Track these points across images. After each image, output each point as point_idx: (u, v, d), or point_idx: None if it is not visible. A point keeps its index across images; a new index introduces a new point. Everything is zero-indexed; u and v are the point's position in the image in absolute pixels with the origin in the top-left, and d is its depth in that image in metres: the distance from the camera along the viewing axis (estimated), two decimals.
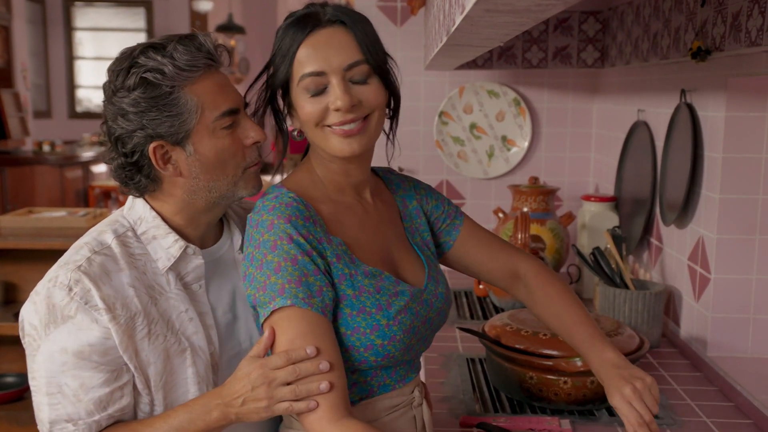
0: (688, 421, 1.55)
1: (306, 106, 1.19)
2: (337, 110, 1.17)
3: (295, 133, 1.27)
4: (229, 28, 9.50)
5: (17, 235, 3.26)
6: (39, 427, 1.19)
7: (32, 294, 1.18)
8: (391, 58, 1.25)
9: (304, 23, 1.18)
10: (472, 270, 1.46)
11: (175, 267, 1.23)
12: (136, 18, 9.88)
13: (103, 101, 1.21)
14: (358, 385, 1.22)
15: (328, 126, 1.19)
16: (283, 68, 1.19)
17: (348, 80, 1.18)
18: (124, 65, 1.17)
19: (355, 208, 1.28)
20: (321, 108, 1.18)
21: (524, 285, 1.44)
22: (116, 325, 1.14)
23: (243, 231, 1.31)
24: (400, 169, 2.94)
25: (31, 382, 1.19)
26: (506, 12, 0.98)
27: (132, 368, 1.16)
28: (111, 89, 1.18)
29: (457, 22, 1.22)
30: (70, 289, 1.13)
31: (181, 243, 1.22)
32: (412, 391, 1.30)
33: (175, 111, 1.16)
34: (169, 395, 1.20)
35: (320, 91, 1.18)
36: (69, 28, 9.71)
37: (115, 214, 1.27)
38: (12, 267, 3.38)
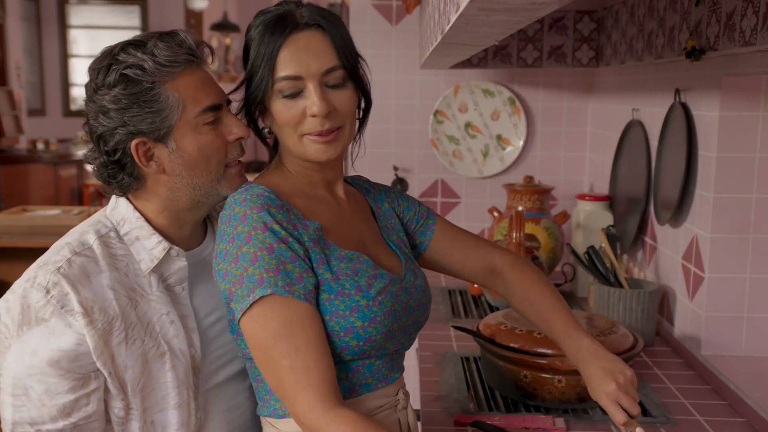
0: (682, 419, 1.55)
1: (283, 111, 1.19)
2: (313, 116, 1.18)
3: (266, 131, 1.27)
4: (224, 26, 9.48)
5: (11, 234, 3.26)
6: (2, 426, 1.18)
7: (8, 292, 1.17)
8: (362, 59, 1.27)
9: (281, 26, 1.18)
10: (451, 268, 1.46)
11: (158, 269, 1.22)
12: (130, 16, 9.85)
13: (85, 100, 1.20)
14: (339, 382, 1.20)
15: (305, 134, 1.20)
16: (264, 72, 1.18)
17: (324, 84, 1.19)
18: (105, 63, 1.17)
19: (329, 202, 1.29)
20: (298, 113, 1.19)
21: (501, 278, 1.45)
22: (92, 329, 1.13)
23: None
24: (395, 168, 2.94)
25: (0, 380, 1.17)
26: (500, 10, 0.98)
27: (106, 374, 1.15)
28: (92, 87, 1.18)
29: (452, 20, 1.22)
30: (48, 292, 1.12)
31: (165, 244, 1.21)
32: (396, 393, 1.29)
33: (156, 107, 1.15)
34: (147, 399, 1.19)
35: (295, 94, 1.18)
36: (63, 26, 9.69)
37: (98, 215, 1.25)
38: (6, 265, 3.37)
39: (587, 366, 1.30)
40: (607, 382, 1.26)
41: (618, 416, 1.25)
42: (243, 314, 1.13)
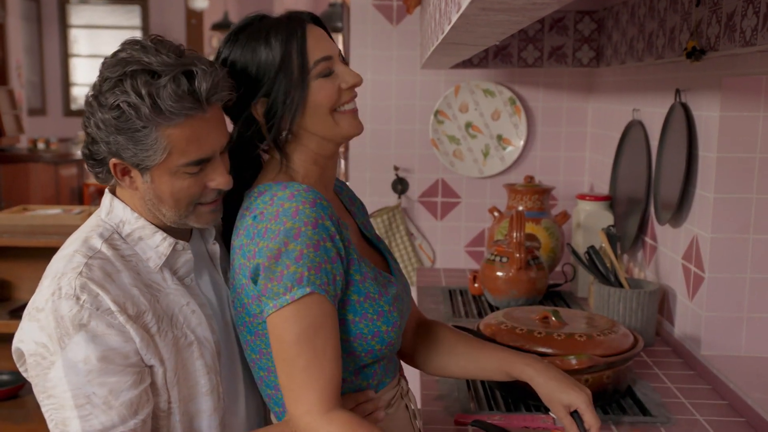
0: (682, 419, 1.55)
1: (322, 91, 1.21)
2: (351, 87, 1.23)
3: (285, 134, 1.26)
4: (224, 26, 9.48)
5: (12, 233, 3.26)
6: None
7: (32, 313, 1.14)
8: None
9: (290, 23, 1.21)
10: None
11: (168, 263, 1.22)
12: (131, 15, 9.86)
13: (87, 96, 1.17)
14: (360, 387, 1.24)
15: (339, 109, 1.24)
16: (300, 64, 1.20)
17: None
18: (116, 74, 1.12)
19: (336, 204, 1.32)
20: (335, 89, 1.22)
21: (426, 330, 1.46)
22: (133, 324, 1.12)
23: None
24: (396, 168, 2.95)
25: (46, 401, 1.14)
26: (502, 10, 0.98)
27: (157, 365, 1.15)
28: (97, 89, 1.14)
29: (453, 20, 1.22)
30: (78, 298, 1.10)
31: (170, 240, 1.22)
32: (399, 382, 1.34)
33: (142, 146, 1.13)
34: (183, 389, 1.20)
35: (329, 73, 1.22)
36: (64, 26, 9.69)
37: (94, 220, 1.24)
38: (7, 265, 3.37)
39: (541, 374, 1.33)
40: (567, 393, 1.30)
41: (567, 420, 1.30)
42: (276, 310, 1.12)
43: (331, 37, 1.27)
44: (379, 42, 2.87)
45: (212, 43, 10.18)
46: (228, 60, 1.22)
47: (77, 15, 9.80)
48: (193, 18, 9.80)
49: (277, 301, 1.12)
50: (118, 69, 1.12)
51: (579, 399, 1.29)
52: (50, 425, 1.15)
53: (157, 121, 1.11)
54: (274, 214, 1.14)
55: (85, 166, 1.23)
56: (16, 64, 8.11)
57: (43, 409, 1.15)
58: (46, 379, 1.12)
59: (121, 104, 1.11)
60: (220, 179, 1.20)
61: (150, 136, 1.12)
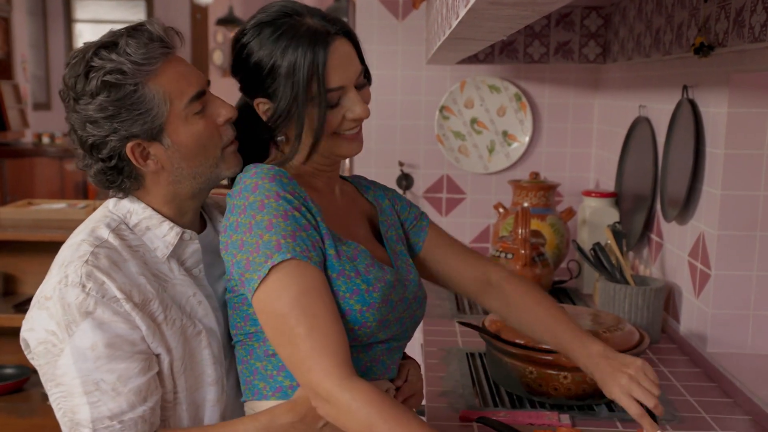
0: (688, 416, 1.55)
1: (327, 119, 1.20)
2: (357, 119, 1.22)
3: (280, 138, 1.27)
4: (229, 21, 9.47)
5: (17, 227, 3.26)
6: (69, 430, 1.15)
7: (41, 301, 1.15)
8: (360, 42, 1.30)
9: (315, 40, 1.18)
10: (444, 275, 1.45)
11: (175, 253, 1.23)
12: (136, 10, 9.86)
13: (66, 111, 1.18)
14: None
15: (340, 133, 1.24)
16: (311, 86, 1.18)
17: (356, 87, 1.24)
18: (80, 70, 1.14)
19: (327, 196, 1.30)
20: (339, 118, 1.22)
21: (498, 291, 1.43)
22: (139, 312, 1.13)
23: (222, 216, 1.32)
24: (401, 164, 2.94)
25: (54, 389, 1.14)
26: (511, 5, 0.97)
27: (163, 352, 1.15)
28: (72, 97, 1.15)
29: (461, 14, 1.21)
30: (84, 286, 1.11)
31: (178, 229, 1.22)
32: (385, 391, 1.27)
33: (144, 107, 1.14)
34: (190, 378, 1.20)
35: (335, 104, 1.21)
36: (69, 20, 9.69)
37: (102, 211, 1.24)
38: (11, 258, 3.38)
39: (599, 367, 1.30)
40: (619, 376, 1.26)
41: (633, 408, 1.25)
42: (260, 283, 1.11)
43: (359, 51, 1.24)
44: (385, 37, 2.86)
45: (217, 38, 10.17)
46: (246, 48, 1.22)
47: (82, 9, 9.81)
48: (198, 13, 9.79)
49: (260, 272, 1.10)
50: (79, 63, 1.15)
51: (624, 389, 1.26)
52: (58, 414, 1.16)
53: (142, 73, 1.14)
54: (239, 191, 1.17)
55: (105, 190, 1.23)
56: (21, 58, 8.12)
57: (51, 398, 1.16)
58: (56, 367, 1.13)
59: (104, 79, 1.12)
60: (223, 110, 1.23)
61: (146, 94, 1.14)
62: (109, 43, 1.15)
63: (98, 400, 1.11)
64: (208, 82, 1.25)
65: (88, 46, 1.16)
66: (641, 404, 1.25)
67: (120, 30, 1.17)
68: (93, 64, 1.13)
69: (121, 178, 1.19)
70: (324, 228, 1.19)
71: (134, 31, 1.16)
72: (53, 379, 1.14)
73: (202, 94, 1.20)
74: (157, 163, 1.19)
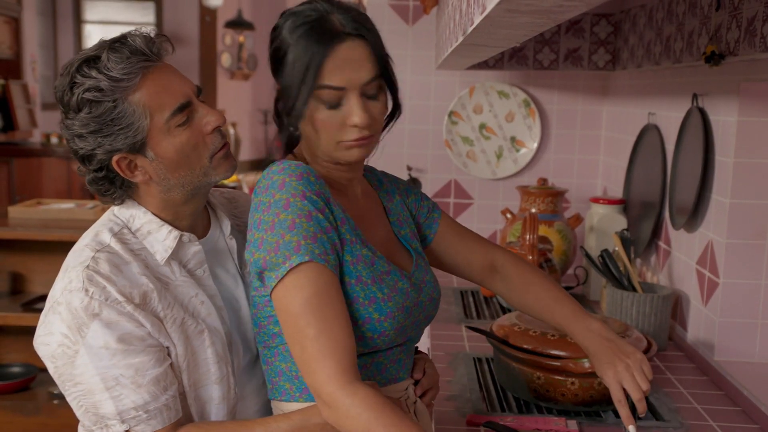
0: (695, 424, 1.55)
1: (324, 119, 1.18)
2: (354, 126, 1.18)
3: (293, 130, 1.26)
4: (238, 24, 9.51)
5: (26, 226, 3.27)
6: (94, 424, 1.17)
7: (53, 306, 1.17)
8: (391, 60, 1.25)
9: (324, 35, 1.15)
10: (452, 263, 1.47)
11: (176, 256, 1.25)
12: (145, 12, 9.90)
13: (59, 123, 1.22)
14: None
15: (341, 140, 1.20)
16: (307, 80, 1.16)
17: (363, 94, 1.19)
18: (66, 82, 1.17)
19: (348, 197, 1.30)
20: (338, 121, 1.18)
21: (501, 275, 1.46)
22: (142, 312, 1.16)
23: (229, 217, 1.35)
24: (409, 168, 2.95)
25: (73, 389, 1.17)
26: (527, 12, 0.98)
27: (171, 345, 1.18)
28: (62, 110, 1.20)
29: (476, 21, 1.22)
30: (86, 290, 1.14)
31: (176, 233, 1.24)
32: (406, 389, 1.30)
33: (125, 123, 1.16)
34: (193, 375, 1.22)
35: (335, 105, 1.18)
36: (78, 21, 9.74)
37: (108, 214, 1.28)
38: (20, 258, 3.39)
39: (594, 343, 1.31)
40: (616, 362, 1.28)
41: (616, 394, 1.27)
42: (278, 282, 1.12)
43: (379, 55, 1.19)
44: (395, 42, 2.87)
45: (225, 41, 10.20)
46: (273, 32, 1.22)
47: (92, 10, 9.85)
48: (207, 15, 9.82)
49: (278, 272, 1.12)
50: (66, 76, 1.18)
51: (617, 376, 1.27)
52: (79, 412, 1.19)
53: (120, 90, 1.15)
54: (265, 188, 1.17)
55: (101, 197, 1.25)
56: (31, 58, 8.15)
57: (70, 398, 1.18)
58: (74, 367, 1.15)
59: (84, 96, 1.15)
60: (210, 117, 1.23)
61: (125, 109, 1.16)
62: (92, 58, 1.17)
63: (120, 394, 1.14)
64: (199, 90, 1.26)
65: (74, 59, 1.19)
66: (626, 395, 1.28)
67: (105, 42, 1.19)
68: (75, 80, 1.16)
69: (113, 188, 1.23)
70: (344, 231, 1.20)
71: (116, 43, 1.18)
72: (71, 379, 1.16)
73: (185, 106, 1.20)
74: (145, 174, 1.22)
